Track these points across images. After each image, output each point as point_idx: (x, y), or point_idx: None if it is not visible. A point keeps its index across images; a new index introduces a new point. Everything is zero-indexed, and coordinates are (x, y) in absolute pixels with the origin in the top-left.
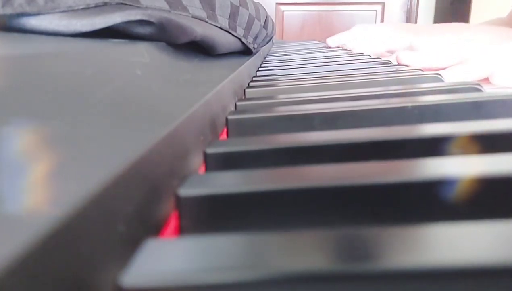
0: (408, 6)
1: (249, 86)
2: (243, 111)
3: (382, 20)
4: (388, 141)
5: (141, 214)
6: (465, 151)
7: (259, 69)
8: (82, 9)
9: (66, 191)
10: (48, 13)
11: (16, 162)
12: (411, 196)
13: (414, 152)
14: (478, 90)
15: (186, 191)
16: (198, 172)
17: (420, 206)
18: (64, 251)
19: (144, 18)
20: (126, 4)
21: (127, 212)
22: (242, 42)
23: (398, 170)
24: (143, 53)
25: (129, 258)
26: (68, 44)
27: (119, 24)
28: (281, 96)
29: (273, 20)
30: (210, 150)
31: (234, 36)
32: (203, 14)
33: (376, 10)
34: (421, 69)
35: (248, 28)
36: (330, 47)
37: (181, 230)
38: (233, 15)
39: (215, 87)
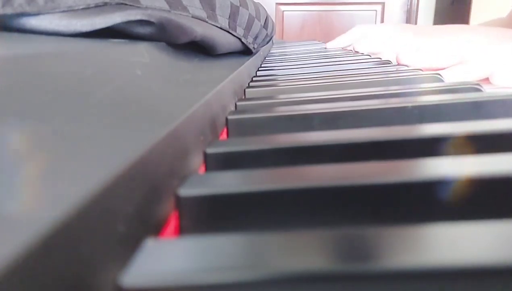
0: (408, 6)
1: (249, 86)
2: (243, 111)
3: (382, 21)
4: (388, 141)
5: (141, 214)
6: (465, 151)
7: (259, 69)
8: (82, 9)
9: (66, 191)
10: (48, 13)
11: (16, 161)
12: (411, 196)
13: (414, 152)
14: (478, 90)
15: (186, 191)
16: (198, 172)
17: (420, 206)
18: (64, 251)
19: (144, 18)
20: (126, 4)
21: (127, 212)
22: (242, 42)
23: (398, 170)
24: (143, 53)
25: (129, 258)
26: (68, 44)
27: (119, 24)
28: (281, 96)
29: (273, 20)
30: (210, 150)
31: (234, 36)
32: (203, 14)
33: (376, 10)
34: (421, 69)
35: (248, 28)
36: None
37: (181, 230)
38: (233, 15)
39: (215, 87)
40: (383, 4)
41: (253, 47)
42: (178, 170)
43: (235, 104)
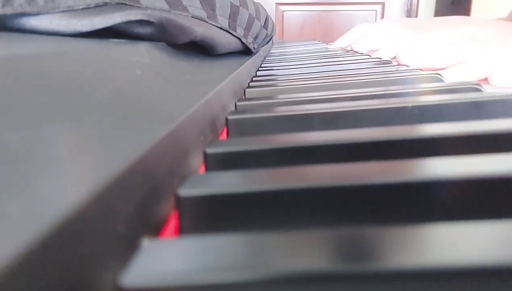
0: (408, 6)
1: (249, 86)
2: (243, 111)
3: None
4: (388, 141)
5: (141, 214)
6: (465, 151)
7: (259, 69)
8: (82, 9)
9: (66, 191)
10: (48, 13)
11: (16, 161)
12: (411, 196)
13: (414, 152)
14: (478, 90)
15: (186, 191)
16: (198, 172)
17: (420, 206)
18: (64, 251)
19: (144, 18)
20: (126, 4)
21: (127, 212)
22: (242, 42)
23: (398, 170)
24: (143, 53)
25: (129, 258)
26: (68, 44)
27: (119, 24)
28: (281, 96)
29: (273, 20)
30: (210, 150)
31: (234, 36)
32: (203, 14)
33: (376, 10)
34: (421, 69)
35: (248, 28)
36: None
37: (181, 230)
38: (233, 15)
39: (215, 87)
40: (383, 4)
41: (253, 47)
42: (178, 170)
43: (235, 104)
